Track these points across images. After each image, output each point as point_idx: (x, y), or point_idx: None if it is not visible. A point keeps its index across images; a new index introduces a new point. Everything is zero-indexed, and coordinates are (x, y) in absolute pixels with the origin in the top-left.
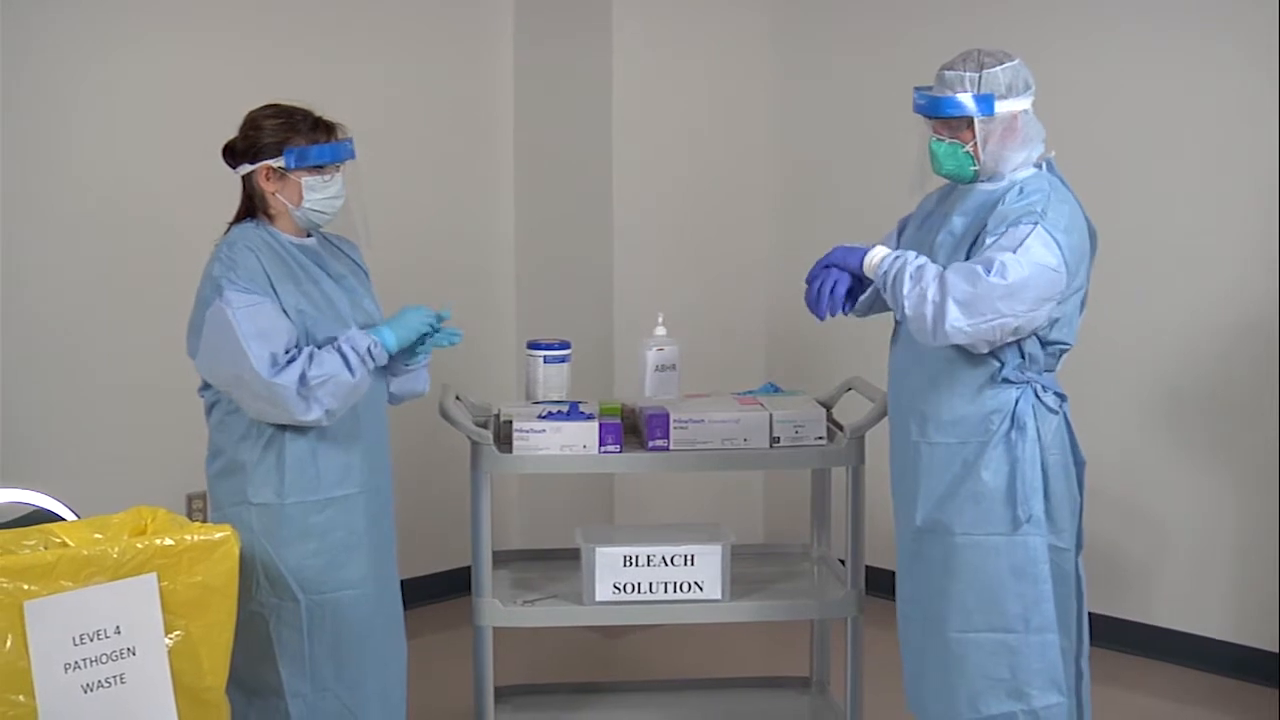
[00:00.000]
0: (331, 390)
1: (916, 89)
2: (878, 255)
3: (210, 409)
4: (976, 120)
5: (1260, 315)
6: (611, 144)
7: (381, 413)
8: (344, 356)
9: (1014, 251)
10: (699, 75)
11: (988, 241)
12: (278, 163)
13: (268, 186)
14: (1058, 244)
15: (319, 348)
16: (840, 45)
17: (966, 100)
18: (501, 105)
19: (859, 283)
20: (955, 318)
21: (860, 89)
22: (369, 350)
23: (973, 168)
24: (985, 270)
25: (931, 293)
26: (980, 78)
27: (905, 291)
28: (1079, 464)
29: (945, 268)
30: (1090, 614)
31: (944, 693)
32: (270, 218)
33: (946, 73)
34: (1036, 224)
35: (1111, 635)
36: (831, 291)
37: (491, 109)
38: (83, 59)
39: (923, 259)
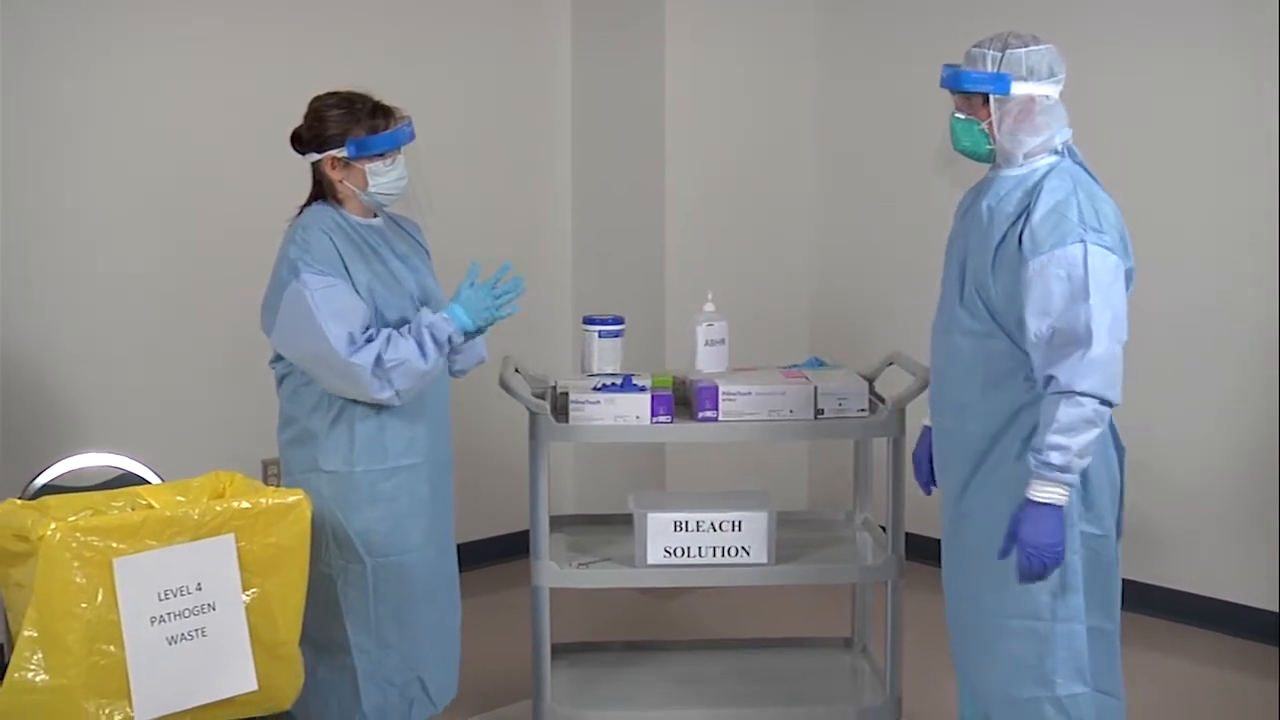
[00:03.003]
0: (404, 373)
1: (945, 65)
2: (1055, 493)
3: (281, 380)
4: (992, 99)
5: None
6: (664, 132)
7: (444, 388)
8: (420, 344)
9: (1087, 300)
10: (748, 65)
11: (1031, 264)
12: (341, 153)
13: (334, 175)
14: (1107, 247)
15: (394, 328)
16: (881, 39)
17: (983, 76)
18: (559, 92)
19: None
20: (1108, 396)
21: (899, 78)
22: (449, 339)
23: (988, 146)
24: (1082, 350)
25: (1089, 414)
26: (1003, 57)
27: (1081, 450)
28: (1119, 450)
29: (1034, 344)
30: (1125, 580)
31: (980, 670)
32: (339, 201)
33: (973, 49)
34: (1083, 241)
35: (1147, 601)
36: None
37: (549, 96)
38: (89, 53)
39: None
